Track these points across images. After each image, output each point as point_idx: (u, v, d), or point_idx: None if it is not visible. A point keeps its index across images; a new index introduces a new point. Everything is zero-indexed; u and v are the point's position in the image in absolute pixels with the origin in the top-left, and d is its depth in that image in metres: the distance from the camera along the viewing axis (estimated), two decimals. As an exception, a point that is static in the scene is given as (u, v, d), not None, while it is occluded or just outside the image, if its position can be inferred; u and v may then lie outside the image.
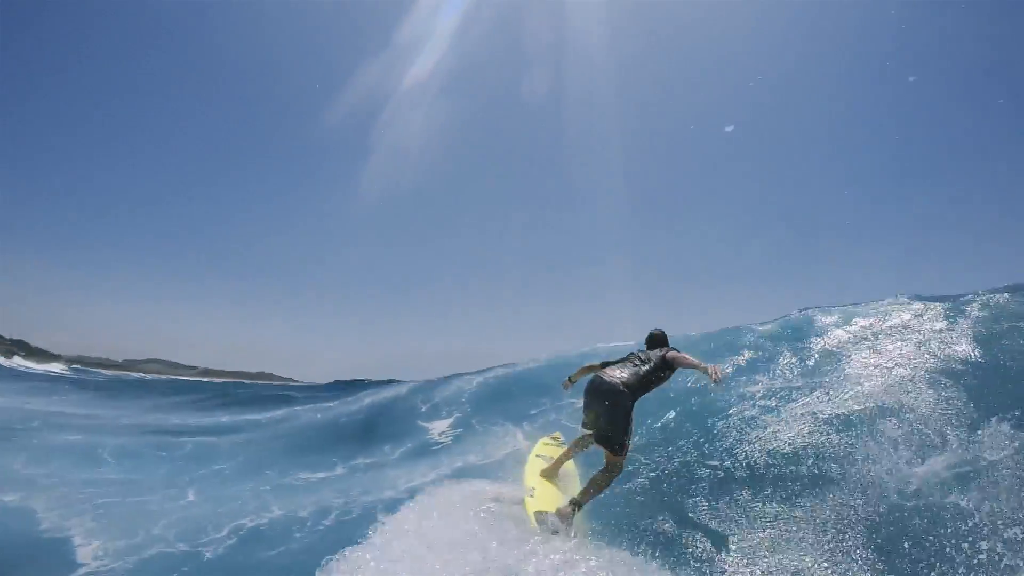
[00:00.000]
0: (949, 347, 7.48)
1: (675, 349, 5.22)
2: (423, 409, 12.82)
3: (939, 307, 9.50)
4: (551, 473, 5.51)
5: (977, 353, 7.21)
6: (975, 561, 3.92)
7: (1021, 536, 3.98)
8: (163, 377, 54.31)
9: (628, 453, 4.85)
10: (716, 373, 4.41)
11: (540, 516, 4.52)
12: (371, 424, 12.62)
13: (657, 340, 5.50)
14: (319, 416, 15.09)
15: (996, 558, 3.88)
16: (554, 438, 6.57)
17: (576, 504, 4.61)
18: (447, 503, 4.84)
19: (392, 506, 5.15)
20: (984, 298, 9.30)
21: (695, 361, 4.83)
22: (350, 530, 5.10)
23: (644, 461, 6.38)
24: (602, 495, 4.81)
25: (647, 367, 5.04)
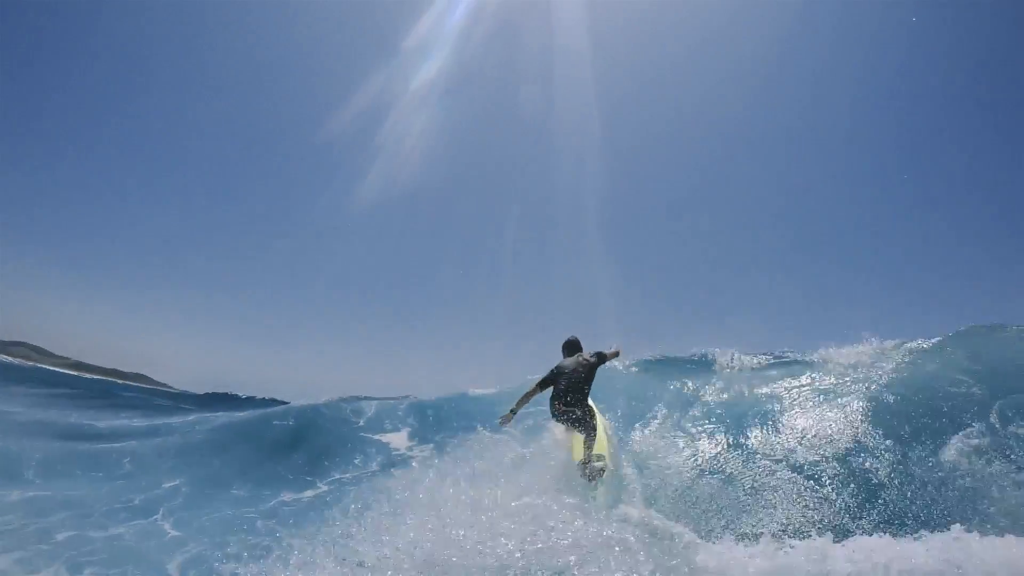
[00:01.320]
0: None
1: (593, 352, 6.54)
2: (359, 423, 11.75)
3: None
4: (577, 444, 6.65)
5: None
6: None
7: None
8: (30, 364, 48.20)
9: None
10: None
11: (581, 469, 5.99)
12: (310, 437, 11.10)
13: (576, 345, 6.70)
14: (240, 426, 13.31)
15: None
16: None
17: (582, 462, 5.98)
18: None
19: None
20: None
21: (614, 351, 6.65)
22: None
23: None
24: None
25: (583, 375, 6.29)
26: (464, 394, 12.68)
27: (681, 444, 7.34)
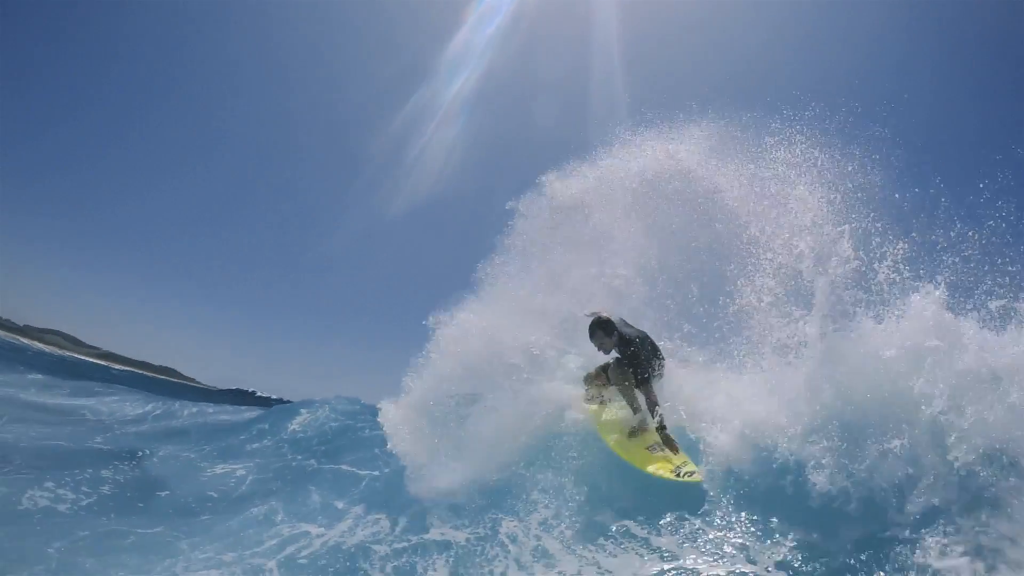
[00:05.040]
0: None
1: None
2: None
3: None
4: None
5: None
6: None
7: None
8: (63, 353, 46.92)
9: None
10: None
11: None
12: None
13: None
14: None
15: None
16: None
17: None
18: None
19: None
20: None
21: None
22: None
23: None
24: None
25: None
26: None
27: None
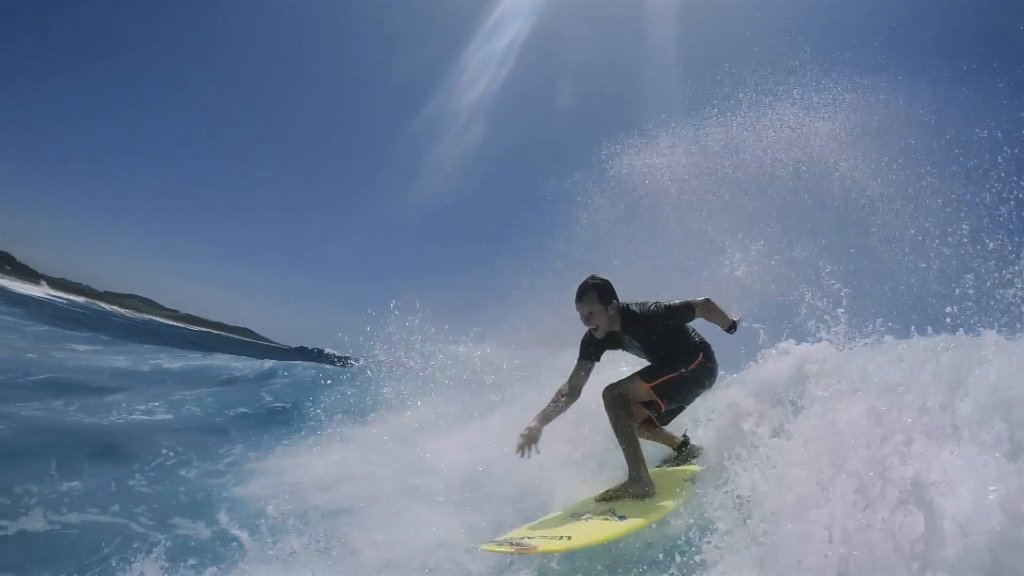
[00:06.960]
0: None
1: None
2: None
3: None
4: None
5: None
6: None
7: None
8: (144, 316, 49.11)
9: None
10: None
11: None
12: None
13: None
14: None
15: None
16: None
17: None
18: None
19: None
20: None
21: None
22: None
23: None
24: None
25: None
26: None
27: None
